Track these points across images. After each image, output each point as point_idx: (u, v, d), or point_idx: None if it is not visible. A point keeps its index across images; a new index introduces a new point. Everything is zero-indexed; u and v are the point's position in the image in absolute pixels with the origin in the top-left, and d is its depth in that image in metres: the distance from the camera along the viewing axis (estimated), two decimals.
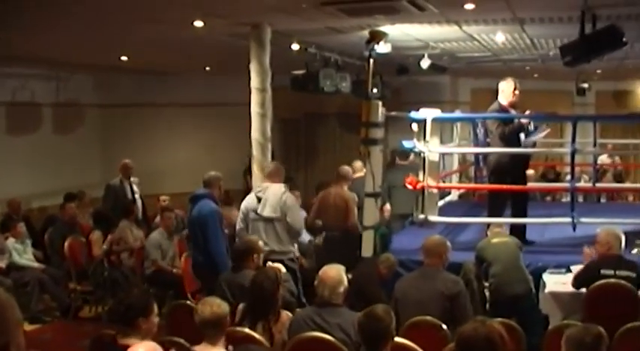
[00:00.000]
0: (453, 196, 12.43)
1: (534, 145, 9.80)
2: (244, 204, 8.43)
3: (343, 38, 10.55)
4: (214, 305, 4.93)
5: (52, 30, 9.56)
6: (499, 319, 5.27)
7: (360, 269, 7.75)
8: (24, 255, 10.59)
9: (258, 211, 8.12)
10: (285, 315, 5.77)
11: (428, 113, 9.06)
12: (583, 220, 8.59)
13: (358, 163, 10.64)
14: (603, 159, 16.14)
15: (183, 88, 16.82)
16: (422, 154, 9.13)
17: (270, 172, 8.44)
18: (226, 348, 4.92)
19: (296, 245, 8.68)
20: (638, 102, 19.91)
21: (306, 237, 9.74)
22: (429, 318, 6.00)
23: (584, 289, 6.86)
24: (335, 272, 5.67)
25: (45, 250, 11.33)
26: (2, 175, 13.45)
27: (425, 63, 12.41)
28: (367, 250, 8.61)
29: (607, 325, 4.43)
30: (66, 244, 10.60)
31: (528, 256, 7.85)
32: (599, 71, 16.25)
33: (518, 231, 8.80)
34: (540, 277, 7.71)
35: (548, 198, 14.49)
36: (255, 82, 9.12)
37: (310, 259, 9.61)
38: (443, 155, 10.34)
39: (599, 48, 8.11)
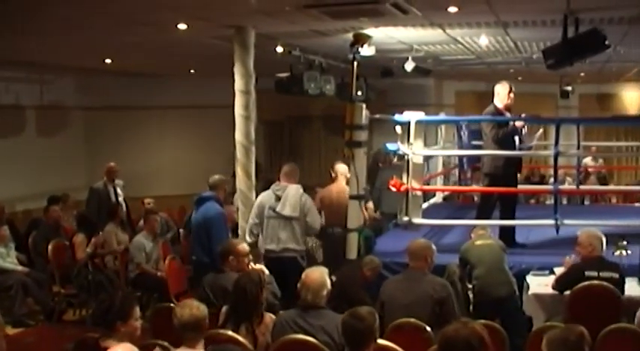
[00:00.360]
0: (438, 198, 12.47)
1: (530, 148, 9.89)
2: (260, 200, 8.59)
3: (327, 41, 10.55)
4: (193, 308, 4.91)
5: (35, 33, 9.52)
6: (482, 321, 5.31)
7: (343, 271, 7.74)
8: (7, 258, 10.50)
9: (277, 210, 8.32)
10: (269, 317, 5.77)
11: (411, 116, 9.09)
12: (566, 222, 8.63)
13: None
14: (587, 161, 16.24)
15: (168, 90, 16.78)
16: (406, 157, 9.15)
17: (287, 172, 8.60)
18: (205, 350, 4.91)
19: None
20: (621, 105, 20.07)
21: None
22: (412, 320, 6.00)
23: (567, 292, 6.89)
24: (318, 275, 5.68)
25: (29, 253, 11.26)
26: None
27: (409, 66, 12.45)
28: (351, 252, 8.62)
29: (590, 326, 4.44)
30: (50, 247, 10.54)
31: (512, 258, 7.88)
32: (582, 74, 16.36)
33: (507, 233, 8.85)
34: (524, 278, 7.73)
35: (533, 201, 14.54)
36: (238, 84, 9.11)
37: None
38: (427, 158, 10.36)
39: (582, 51, 8.15)
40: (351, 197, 8.81)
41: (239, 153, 9.19)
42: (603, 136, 18.27)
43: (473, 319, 4.74)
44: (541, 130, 9.54)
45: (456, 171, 13.56)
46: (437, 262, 7.03)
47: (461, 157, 12.92)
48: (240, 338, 5.40)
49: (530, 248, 8.99)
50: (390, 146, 9.52)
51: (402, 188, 8.98)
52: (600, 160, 17.36)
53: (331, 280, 5.89)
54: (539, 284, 7.47)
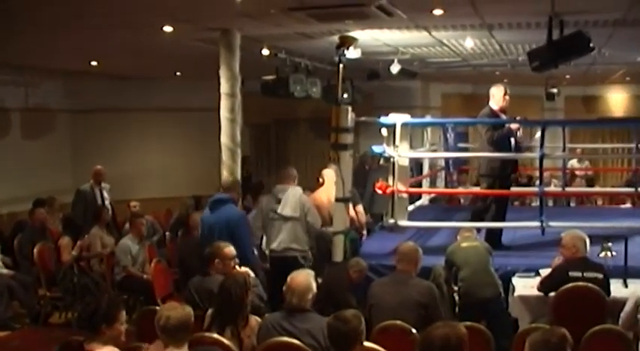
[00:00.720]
0: (424, 200, 12.47)
1: (530, 149, 9.93)
2: (263, 204, 8.79)
3: (313, 43, 10.56)
4: (178, 309, 4.90)
5: (20, 35, 9.49)
6: (468, 323, 5.32)
7: (330, 274, 7.74)
8: None
9: (278, 211, 8.46)
10: (254, 320, 5.76)
11: (397, 118, 9.09)
12: (552, 224, 8.65)
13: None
14: (573, 164, 16.30)
15: (154, 93, 16.74)
16: (392, 159, 9.15)
17: (285, 175, 8.74)
18: None
19: None
20: (606, 107, 20.16)
21: None
22: (398, 322, 6.00)
23: (552, 293, 6.91)
24: (303, 278, 5.67)
25: (14, 256, 11.19)
26: None
27: (395, 68, 12.46)
28: (337, 254, 8.62)
29: (575, 327, 4.46)
30: (35, 250, 10.47)
31: (498, 260, 7.90)
32: (568, 76, 16.42)
33: (493, 235, 8.89)
34: (510, 280, 7.74)
35: (517, 203, 14.56)
36: (224, 87, 9.12)
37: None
38: (413, 160, 10.37)
39: (567, 53, 8.19)
40: (337, 200, 8.81)
41: (224, 156, 9.21)
42: (589, 138, 18.36)
43: (459, 321, 4.75)
44: (539, 132, 9.55)
45: (443, 173, 13.57)
46: (423, 264, 7.03)
47: (447, 160, 12.95)
48: (225, 341, 5.39)
49: (515, 250, 9.00)
50: (376, 149, 9.52)
51: (388, 191, 8.99)
52: (586, 162, 17.41)
53: (317, 282, 5.89)
54: (525, 286, 7.47)
